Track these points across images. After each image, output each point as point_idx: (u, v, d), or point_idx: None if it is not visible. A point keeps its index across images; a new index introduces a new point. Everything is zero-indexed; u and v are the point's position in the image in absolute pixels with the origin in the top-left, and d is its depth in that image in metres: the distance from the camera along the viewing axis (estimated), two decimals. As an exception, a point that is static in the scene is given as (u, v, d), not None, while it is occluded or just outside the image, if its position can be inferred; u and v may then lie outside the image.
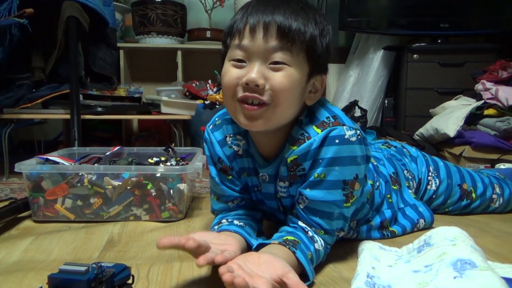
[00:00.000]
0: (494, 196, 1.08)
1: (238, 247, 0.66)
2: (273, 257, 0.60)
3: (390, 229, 0.88)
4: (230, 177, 0.80)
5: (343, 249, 0.78)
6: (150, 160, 1.19)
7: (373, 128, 2.01)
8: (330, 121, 0.69)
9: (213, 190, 0.83)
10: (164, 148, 1.25)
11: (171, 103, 1.83)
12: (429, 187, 1.02)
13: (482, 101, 1.76)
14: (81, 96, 1.68)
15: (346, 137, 0.67)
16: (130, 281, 0.57)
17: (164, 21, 2.30)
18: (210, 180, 0.83)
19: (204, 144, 0.83)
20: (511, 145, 1.60)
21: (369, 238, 0.83)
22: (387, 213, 0.88)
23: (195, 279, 0.66)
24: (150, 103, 1.89)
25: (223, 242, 0.66)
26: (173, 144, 1.30)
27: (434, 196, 1.03)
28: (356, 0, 2.37)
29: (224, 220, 0.78)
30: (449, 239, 0.62)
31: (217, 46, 2.27)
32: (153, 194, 1.00)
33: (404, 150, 1.07)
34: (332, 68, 2.71)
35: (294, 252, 0.63)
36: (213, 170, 0.81)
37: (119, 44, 2.23)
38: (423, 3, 2.33)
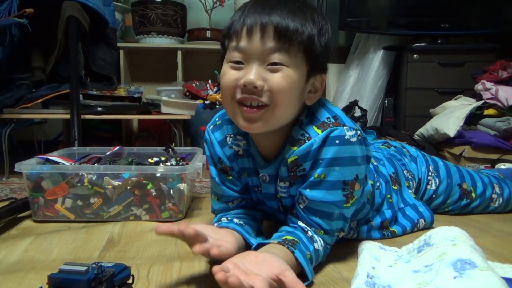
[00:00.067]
0: (494, 195, 1.08)
1: (234, 245, 0.66)
2: (270, 256, 0.60)
3: (391, 229, 0.88)
4: (231, 177, 0.80)
5: (343, 249, 0.78)
6: (150, 160, 1.19)
7: (373, 128, 2.01)
8: (331, 122, 0.69)
9: (213, 190, 0.83)
10: (164, 148, 1.25)
11: (171, 103, 1.83)
12: (429, 186, 1.03)
13: (482, 101, 1.76)
14: (81, 96, 1.68)
15: (346, 137, 0.67)
16: (130, 281, 0.57)
17: (164, 21, 2.30)
18: (210, 180, 0.83)
19: (205, 144, 0.83)
20: (511, 145, 1.60)
21: (370, 238, 0.83)
22: (387, 213, 0.88)
23: (195, 279, 0.66)
24: (150, 103, 1.89)
25: (221, 237, 0.66)
26: (173, 144, 1.30)
27: (434, 195, 1.03)
28: (356, 0, 2.37)
29: (223, 218, 0.78)
30: (449, 239, 0.62)
31: (217, 46, 2.27)
32: (153, 194, 1.00)
33: (404, 150, 1.07)
34: (332, 68, 2.71)
35: (293, 252, 0.63)
36: (213, 171, 0.81)
37: (119, 44, 2.23)
38: (423, 3, 2.33)
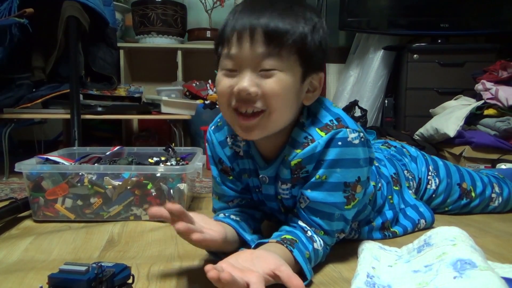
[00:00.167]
0: (494, 195, 1.08)
1: (221, 235, 0.65)
2: (266, 252, 0.60)
3: (392, 229, 0.88)
4: (231, 177, 0.80)
5: (343, 249, 0.78)
6: (150, 160, 1.19)
7: (373, 128, 2.01)
8: (334, 124, 0.68)
9: (214, 189, 0.84)
10: (164, 148, 1.25)
11: (171, 103, 1.83)
12: (429, 186, 1.03)
13: (482, 101, 1.76)
14: (81, 96, 1.68)
15: (349, 139, 0.67)
16: (130, 281, 0.57)
17: (164, 21, 2.30)
18: (212, 180, 0.84)
19: (206, 144, 0.83)
20: (511, 145, 1.60)
21: (371, 238, 0.83)
22: (389, 214, 0.88)
23: (195, 279, 0.66)
24: (150, 103, 1.89)
25: (209, 227, 0.65)
26: (173, 144, 1.30)
27: (434, 195, 1.03)
28: (356, 0, 2.37)
29: (221, 214, 0.78)
30: (449, 239, 0.62)
31: (217, 46, 2.27)
32: (153, 194, 1.00)
33: (404, 150, 1.07)
34: (332, 68, 2.72)
35: (291, 251, 0.63)
36: (214, 170, 0.82)
37: (119, 44, 2.23)
38: (423, 3, 2.33)
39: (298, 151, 0.69)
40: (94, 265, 0.53)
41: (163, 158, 1.20)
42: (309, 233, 0.69)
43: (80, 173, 0.99)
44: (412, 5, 2.33)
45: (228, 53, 0.64)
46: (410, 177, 0.99)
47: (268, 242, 0.66)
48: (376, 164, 0.91)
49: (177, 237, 0.72)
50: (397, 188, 0.93)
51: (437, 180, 1.03)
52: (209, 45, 2.36)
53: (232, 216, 0.76)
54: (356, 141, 0.67)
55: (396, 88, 2.42)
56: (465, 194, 1.05)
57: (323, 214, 0.69)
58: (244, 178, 0.80)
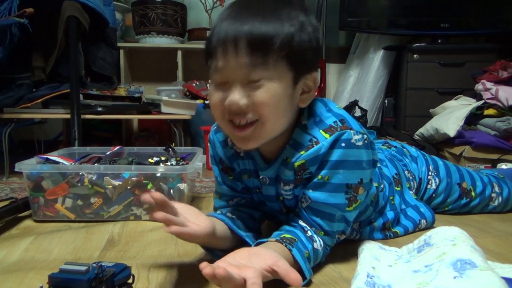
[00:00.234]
0: (493, 195, 1.08)
1: (206, 231, 0.63)
2: (263, 249, 0.60)
3: (393, 230, 0.88)
4: (231, 177, 0.81)
5: (344, 249, 0.78)
6: (150, 160, 1.19)
7: (373, 128, 2.01)
8: (338, 126, 0.68)
9: (215, 188, 0.85)
10: (164, 148, 1.25)
11: (171, 102, 1.83)
12: (429, 186, 1.03)
13: (482, 101, 1.76)
14: (81, 95, 1.68)
15: (352, 141, 0.66)
16: (130, 281, 0.57)
17: (164, 20, 2.30)
18: (214, 179, 0.85)
19: (209, 144, 0.84)
20: (511, 145, 1.60)
21: (372, 239, 0.83)
22: (390, 214, 0.88)
23: (195, 279, 0.66)
24: (150, 103, 1.89)
25: (196, 221, 0.63)
26: (173, 144, 1.30)
27: (434, 195, 1.03)
28: (356, 0, 2.37)
29: (218, 211, 0.79)
30: (449, 239, 0.62)
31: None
32: (153, 193, 1.00)
33: (404, 150, 1.07)
34: (332, 68, 2.72)
35: (290, 250, 0.63)
36: (215, 170, 0.82)
37: (119, 44, 2.23)
38: (423, 3, 2.33)
39: (302, 152, 0.69)
40: (94, 265, 0.53)
41: (163, 158, 1.20)
42: (309, 233, 0.69)
43: (80, 173, 0.99)
44: (412, 5, 2.33)
45: (216, 67, 0.63)
46: (411, 178, 1.00)
47: (267, 241, 0.66)
48: (378, 165, 0.91)
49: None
50: (398, 188, 0.93)
51: (437, 180, 1.03)
52: (209, 45, 2.36)
53: (228, 214, 0.76)
54: (360, 143, 0.67)
55: (396, 88, 2.42)
56: (465, 193, 1.05)
57: (324, 215, 0.69)
58: (244, 178, 0.80)
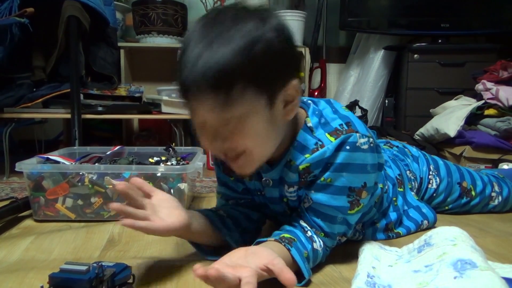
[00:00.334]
0: (493, 194, 1.08)
1: (175, 225, 0.62)
2: (260, 248, 0.60)
3: (395, 231, 0.88)
4: (232, 178, 0.81)
5: (344, 249, 0.78)
6: (150, 160, 1.19)
7: (374, 128, 2.01)
8: (344, 129, 0.67)
9: (217, 188, 0.86)
10: (164, 147, 1.25)
11: (172, 102, 1.83)
12: (430, 185, 1.03)
13: (483, 101, 1.75)
14: (81, 95, 1.68)
15: (357, 144, 0.66)
16: (130, 281, 0.57)
17: (165, 20, 2.29)
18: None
19: None
20: (511, 145, 1.60)
21: (375, 239, 0.83)
22: (393, 215, 0.88)
23: (196, 279, 0.66)
24: (151, 103, 1.89)
25: (166, 214, 0.62)
26: (173, 144, 1.30)
27: (434, 194, 1.03)
28: (356, 0, 2.37)
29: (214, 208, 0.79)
30: (450, 239, 0.62)
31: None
32: (153, 193, 1.00)
33: (406, 150, 1.07)
34: (333, 68, 2.71)
35: (289, 249, 0.63)
36: (217, 170, 0.83)
37: (119, 44, 2.22)
38: (423, 3, 2.33)
39: (306, 156, 0.68)
40: (94, 264, 0.53)
41: (163, 158, 1.20)
42: (309, 233, 0.69)
43: (80, 173, 0.99)
44: (413, 5, 2.33)
45: (188, 112, 0.61)
46: (412, 178, 1.00)
47: (266, 240, 0.66)
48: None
49: (177, 237, 0.73)
50: (401, 189, 0.93)
51: (437, 179, 1.03)
52: (210, 45, 2.36)
53: (219, 211, 0.76)
54: (365, 146, 0.67)
55: (396, 88, 2.42)
56: (465, 193, 1.05)
57: (325, 216, 0.69)
58: (246, 180, 0.80)
